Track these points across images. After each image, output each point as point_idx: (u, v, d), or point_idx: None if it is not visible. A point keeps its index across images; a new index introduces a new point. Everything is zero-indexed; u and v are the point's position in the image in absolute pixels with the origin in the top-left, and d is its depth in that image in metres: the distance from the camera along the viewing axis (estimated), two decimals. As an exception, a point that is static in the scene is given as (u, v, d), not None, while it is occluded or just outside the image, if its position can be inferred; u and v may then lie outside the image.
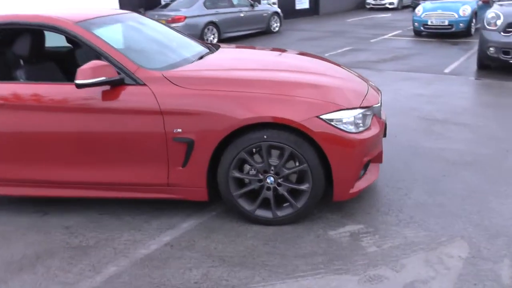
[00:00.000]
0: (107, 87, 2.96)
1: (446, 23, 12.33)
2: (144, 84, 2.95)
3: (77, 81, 2.83)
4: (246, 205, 3.11)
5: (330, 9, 22.80)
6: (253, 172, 3.08)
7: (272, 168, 3.01)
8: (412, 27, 13.50)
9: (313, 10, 22.04)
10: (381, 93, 3.60)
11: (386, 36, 13.40)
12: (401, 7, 23.23)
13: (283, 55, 3.95)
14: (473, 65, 8.54)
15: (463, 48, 10.82)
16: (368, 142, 3.05)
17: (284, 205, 3.12)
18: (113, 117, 2.95)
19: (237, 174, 3.03)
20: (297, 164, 3.03)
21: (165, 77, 2.97)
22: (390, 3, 22.95)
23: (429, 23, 12.57)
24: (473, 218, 3.19)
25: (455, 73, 8.02)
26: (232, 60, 3.61)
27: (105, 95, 2.96)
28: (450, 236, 2.98)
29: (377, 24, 16.63)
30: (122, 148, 3.01)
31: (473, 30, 12.66)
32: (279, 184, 3.04)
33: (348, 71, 3.70)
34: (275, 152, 3.05)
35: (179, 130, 2.92)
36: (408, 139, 4.76)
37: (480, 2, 13.03)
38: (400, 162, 4.18)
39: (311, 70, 3.43)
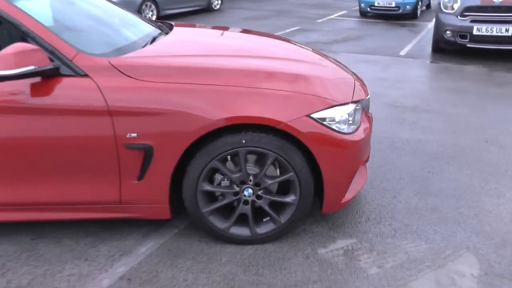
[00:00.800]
0: (37, 79, 2.25)
1: (393, 4, 12.19)
2: (86, 75, 2.27)
3: (-2, 73, 2.11)
4: (218, 223, 2.55)
5: (271, -12, 22.16)
6: (226, 182, 2.51)
7: (251, 178, 2.46)
8: (357, 8, 13.31)
9: (255, -11, 21.31)
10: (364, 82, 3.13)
11: (332, 16, 13.09)
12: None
13: (251, 38, 3.36)
14: (427, 48, 8.38)
15: (412, 30, 10.70)
16: (363, 142, 2.57)
17: (265, 219, 2.59)
18: (46, 119, 2.25)
19: (208, 187, 2.46)
20: (279, 172, 2.50)
21: (113, 66, 2.30)
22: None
23: (375, 4, 12.39)
24: (472, 224, 2.83)
25: (411, 56, 7.80)
26: (193, 43, 2.96)
27: (35, 90, 2.25)
28: (455, 249, 2.59)
29: (320, 4, 16.29)
30: (59, 158, 2.33)
31: (419, 12, 12.62)
32: (258, 197, 2.51)
33: (323, 56, 3.18)
34: (252, 158, 2.51)
35: (133, 134, 2.28)
36: (383, 130, 4.37)
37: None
38: (380, 157, 3.77)
39: (289, 56, 2.88)
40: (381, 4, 12.32)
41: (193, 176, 2.40)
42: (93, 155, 2.32)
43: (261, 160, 2.47)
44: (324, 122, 2.39)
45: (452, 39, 7.39)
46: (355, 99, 2.59)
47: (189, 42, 2.99)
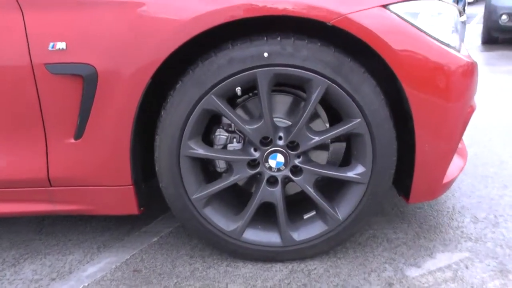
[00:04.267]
0: None
1: None
2: None
3: None
4: (221, 221, 1.39)
5: None
6: (235, 145, 1.37)
7: (281, 133, 1.31)
8: None
9: None
10: None
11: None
12: None
13: None
14: (475, 39, 7.22)
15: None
16: (476, 69, 1.42)
17: (306, 215, 1.43)
18: None
19: (201, 151, 1.31)
20: (331, 123, 1.37)
21: None
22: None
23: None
24: None
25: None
26: None
27: None
28: None
29: None
30: None
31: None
32: (295, 170, 1.35)
33: None
34: (282, 98, 1.38)
35: (61, 44, 1.19)
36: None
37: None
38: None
39: None
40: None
41: (171, 128, 1.27)
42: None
43: (298, 98, 1.34)
44: (416, 22, 1.25)
45: (510, 24, 6.21)
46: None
47: None
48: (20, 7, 1.19)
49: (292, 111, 1.40)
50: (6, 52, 1.20)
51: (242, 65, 1.21)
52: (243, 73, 1.22)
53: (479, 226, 1.64)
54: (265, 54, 1.20)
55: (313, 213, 1.43)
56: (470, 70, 1.32)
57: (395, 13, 1.22)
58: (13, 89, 1.24)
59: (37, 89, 1.23)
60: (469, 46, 6.88)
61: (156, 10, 1.18)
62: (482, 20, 9.51)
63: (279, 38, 1.21)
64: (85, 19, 1.18)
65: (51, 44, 1.19)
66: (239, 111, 1.40)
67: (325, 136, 1.31)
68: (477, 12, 14.16)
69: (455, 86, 1.30)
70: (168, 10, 1.17)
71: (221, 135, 1.37)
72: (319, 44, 1.22)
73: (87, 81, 1.21)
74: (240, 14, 1.16)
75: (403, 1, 1.25)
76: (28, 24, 1.18)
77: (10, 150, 1.30)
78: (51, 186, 1.36)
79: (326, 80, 1.23)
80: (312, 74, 1.23)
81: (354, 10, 1.19)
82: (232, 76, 1.22)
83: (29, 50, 1.20)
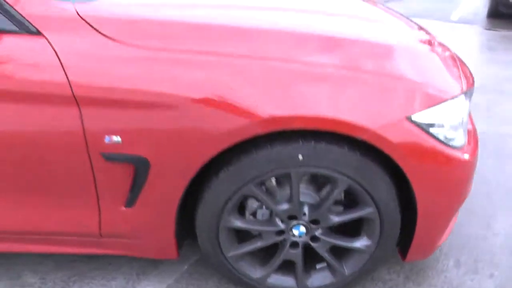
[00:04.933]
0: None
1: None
2: (38, 33, 1.33)
3: None
4: (251, 270, 1.67)
5: None
6: (264, 212, 1.61)
7: (305, 209, 1.55)
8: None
9: None
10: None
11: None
12: None
13: None
14: (481, 11, 7.22)
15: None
16: (476, 158, 1.64)
17: (319, 266, 1.71)
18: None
19: (238, 223, 1.56)
20: (342, 196, 1.61)
21: (83, 19, 1.36)
22: None
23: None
24: None
25: (464, 21, 6.66)
26: None
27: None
28: None
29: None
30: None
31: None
32: (314, 238, 1.61)
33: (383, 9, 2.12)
34: (308, 180, 1.60)
35: (116, 138, 1.37)
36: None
37: None
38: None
39: (346, 11, 1.89)
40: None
41: (213, 206, 1.50)
42: (51, 166, 1.42)
43: (321, 181, 1.56)
44: (431, 130, 1.45)
45: (518, 1, 6.25)
46: (465, 87, 1.63)
47: None
48: (78, 104, 1.33)
49: (315, 183, 1.62)
50: (66, 136, 1.36)
51: (279, 164, 1.42)
52: (279, 170, 1.43)
53: (461, 271, 1.94)
54: (300, 157, 1.41)
55: (324, 264, 1.71)
56: (465, 164, 1.53)
57: (415, 123, 1.42)
58: (72, 167, 1.42)
59: (92, 170, 1.42)
60: (473, 18, 6.90)
61: (204, 114, 1.34)
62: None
63: (312, 143, 1.41)
64: (139, 116, 1.34)
65: (107, 137, 1.35)
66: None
67: (343, 218, 1.56)
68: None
69: (457, 181, 1.54)
70: (212, 117, 1.34)
71: (251, 204, 1.61)
72: (346, 148, 1.42)
73: (139, 169, 1.41)
74: (291, 126, 1.35)
75: (420, 111, 1.43)
76: (85, 119, 1.34)
77: (68, 210, 1.51)
78: (101, 237, 1.60)
79: (349, 179, 1.46)
80: (338, 174, 1.45)
81: (381, 124, 1.38)
82: (269, 172, 1.44)
83: (86, 142, 1.36)
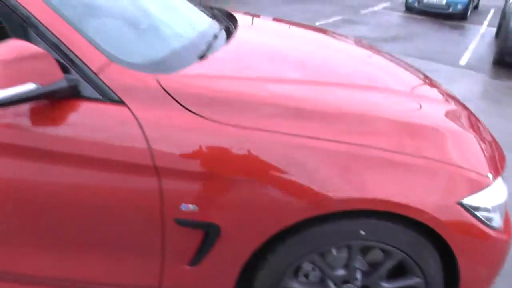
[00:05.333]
0: (42, 102, 1.37)
1: (444, 2, 11.13)
2: (121, 102, 1.38)
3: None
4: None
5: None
6: (316, 275, 1.66)
7: (358, 275, 1.61)
8: (401, 1, 12.27)
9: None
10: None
11: (376, 8, 12.02)
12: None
13: (362, 51, 2.37)
14: (486, 57, 7.41)
15: (464, 34, 9.68)
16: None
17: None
18: (50, 169, 1.38)
19: (297, 285, 1.61)
20: (385, 259, 1.65)
21: (166, 91, 1.41)
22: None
23: (424, 0, 11.31)
24: None
25: (471, 67, 6.82)
26: (281, 55, 1.91)
27: (37, 118, 1.37)
28: None
29: (360, -8, 15.14)
30: (70, 225, 1.47)
31: (469, 13, 11.55)
32: (362, 301, 1.66)
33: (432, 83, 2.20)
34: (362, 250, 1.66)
35: (192, 207, 1.41)
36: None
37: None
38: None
39: (423, 89, 1.99)
40: (430, 1, 11.26)
41: (276, 269, 1.55)
42: (123, 225, 1.46)
43: (374, 252, 1.62)
44: (477, 213, 1.53)
45: (526, 54, 6.43)
46: (501, 170, 1.72)
47: (275, 53, 1.95)
48: (158, 173, 1.37)
49: (367, 252, 1.67)
50: (143, 202, 1.40)
51: (343, 237, 1.48)
52: (342, 242, 1.49)
53: None
54: (362, 232, 1.47)
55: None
56: (504, 244, 1.61)
57: (464, 207, 1.49)
58: (144, 228, 1.45)
59: (163, 231, 1.45)
60: (479, 64, 7.06)
61: (285, 191, 1.40)
62: (495, 21, 9.63)
63: (374, 220, 1.47)
64: (218, 187, 1.38)
65: (184, 205, 1.39)
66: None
67: (392, 285, 1.61)
68: (493, 5, 14.07)
69: (495, 256, 1.61)
70: (287, 194, 1.41)
71: (307, 267, 1.65)
72: (401, 226, 1.49)
73: (210, 234, 1.44)
74: (360, 207, 1.42)
75: (469, 195, 1.51)
76: (164, 187, 1.37)
77: (132, 263, 1.55)
78: (159, 288, 1.63)
79: (402, 252, 1.52)
80: (393, 248, 1.51)
81: (437, 207, 1.45)
82: (333, 243, 1.49)
83: (162, 208, 1.39)
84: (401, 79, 2.05)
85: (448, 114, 1.79)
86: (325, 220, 1.46)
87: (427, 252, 1.53)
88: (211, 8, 2.63)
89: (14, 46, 1.25)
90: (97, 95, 1.38)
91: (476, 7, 13.76)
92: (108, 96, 1.38)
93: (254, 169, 1.37)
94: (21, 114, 1.36)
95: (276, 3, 10.89)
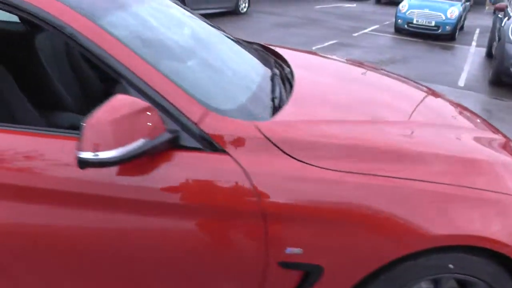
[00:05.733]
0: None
1: (433, 24, 11.48)
2: (223, 151, 1.45)
3: (82, 155, 1.25)
4: None
5: (291, -8, 21.35)
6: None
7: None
8: (389, 23, 12.63)
9: (275, -9, 20.48)
10: None
11: (366, 31, 12.33)
12: (363, -2, 22.34)
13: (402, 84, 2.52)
14: (482, 77, 7.68)
15: (456, 54, 9.99)
16: None
17: None
18: (151, 221, 1.43)
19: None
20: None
21: (268, 138, 1.48)
22: (354, -8, 21.99)
23: (414, 22, 11.66)
24: None
25: (470, 88, 7.06)
26: (348, 99, 2.00)
27: (139, 170, 1.42)
28: None
29: (349, 15, 15.52)
30: (174, 273, 1.53)
31: (457, 34, 11.93)
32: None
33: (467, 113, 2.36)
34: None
35: (297, 250, 1.47)
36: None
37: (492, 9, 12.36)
38: None
39: (463, 122, 2.11)
40: (420, 23, 11.60)
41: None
42: (224, 269, 1.51)
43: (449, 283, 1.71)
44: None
45: (522, 75, 6.67)
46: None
47: (346, 94, 2.07)
48: (265, 219, 1.42)
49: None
50: (248, 249, 1.46)
51: (433, 271, 1.56)
52: (431, 276, 1.58)
53: None
54: (451, 266, 1.55)
55: None
56: None
57: None
58: (245, 268, 1.50)
59: (264, 273, 1.50)
60: (476, 84, 7.30)
61: (382, 231, 1.46)
62: (482, 41, 9.95)
63: (461, 254, 1.55)
64: (323, 231, 1.44)
65: (288, 249, 1.45)
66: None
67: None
68: (477, 25, 14.53)
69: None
70: (388, 233, 1.48)
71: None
72: (484, 258, 1.58)
73: (312, 274, 1.50)
74: (452, 243, 1.50)
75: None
76: (270, 232, 1.43)
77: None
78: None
79: (485, 283, 1.61)
80: (477, 280, 1.59)
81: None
82: (423, 277, 1.58)
83: (266, 252, 1.45)
84: (444, 112, 2.19)
85: (493, 145, 1.91)
86: (417, 256, 1.54)
87: (507, 282, 1.62)
88: (249, 43, 2.70)
89: (124, 102, 1.30)
90: (196, 144, 1.43)
91: (462, 28, 14.20)
92: (208, 145, 1.43)
93: (362, 214, 1.45)
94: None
95: (270, 28, 11.12)
